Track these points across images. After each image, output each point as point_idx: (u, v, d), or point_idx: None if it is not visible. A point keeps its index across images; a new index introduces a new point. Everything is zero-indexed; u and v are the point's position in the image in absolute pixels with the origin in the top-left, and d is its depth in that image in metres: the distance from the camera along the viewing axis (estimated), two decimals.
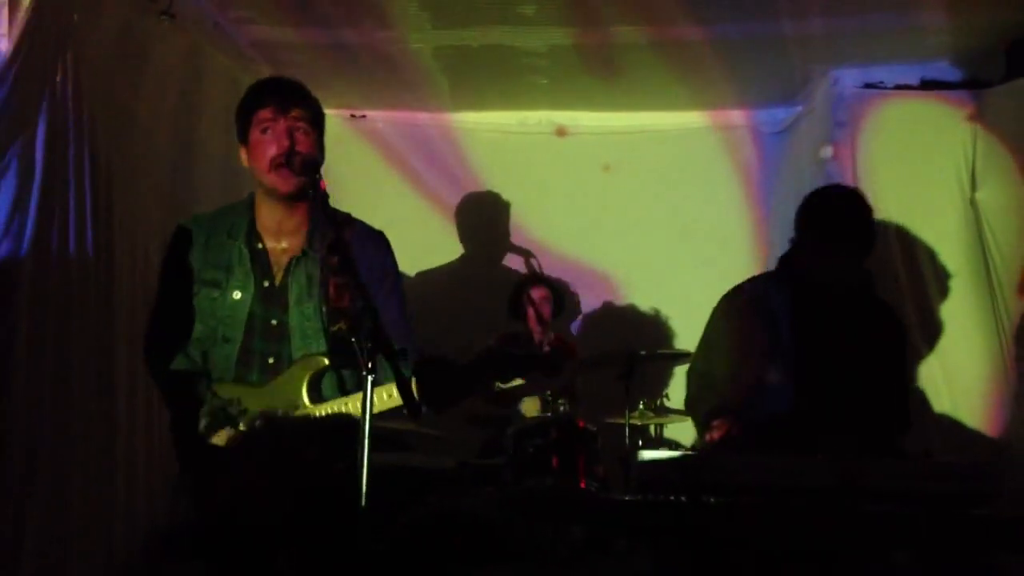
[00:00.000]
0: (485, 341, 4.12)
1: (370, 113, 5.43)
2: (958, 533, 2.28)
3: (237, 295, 2.41)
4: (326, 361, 2.37)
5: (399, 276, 2.61)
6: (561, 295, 4.79)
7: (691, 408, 3.27)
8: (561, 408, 4.20)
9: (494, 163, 5.42)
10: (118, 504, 3.45)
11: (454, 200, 5.44)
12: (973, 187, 4.44)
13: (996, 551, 2.35)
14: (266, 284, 2.43)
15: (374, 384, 2.01)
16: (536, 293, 4.62)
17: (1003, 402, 4.26)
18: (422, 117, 5.44)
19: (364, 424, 2.11)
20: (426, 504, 3.79)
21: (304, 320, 2.41)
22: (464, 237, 5.44)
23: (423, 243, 5.27)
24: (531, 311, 4.60)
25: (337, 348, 2.38)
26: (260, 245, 2.46)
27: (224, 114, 4.25)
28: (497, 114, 5.41)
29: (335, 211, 2.42)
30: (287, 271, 2.44)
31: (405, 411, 2.15)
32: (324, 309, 2.40)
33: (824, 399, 2.76)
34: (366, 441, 2.09)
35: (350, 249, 2.33)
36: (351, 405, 2.34)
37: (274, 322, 2.41)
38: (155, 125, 3.82)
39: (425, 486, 3.92)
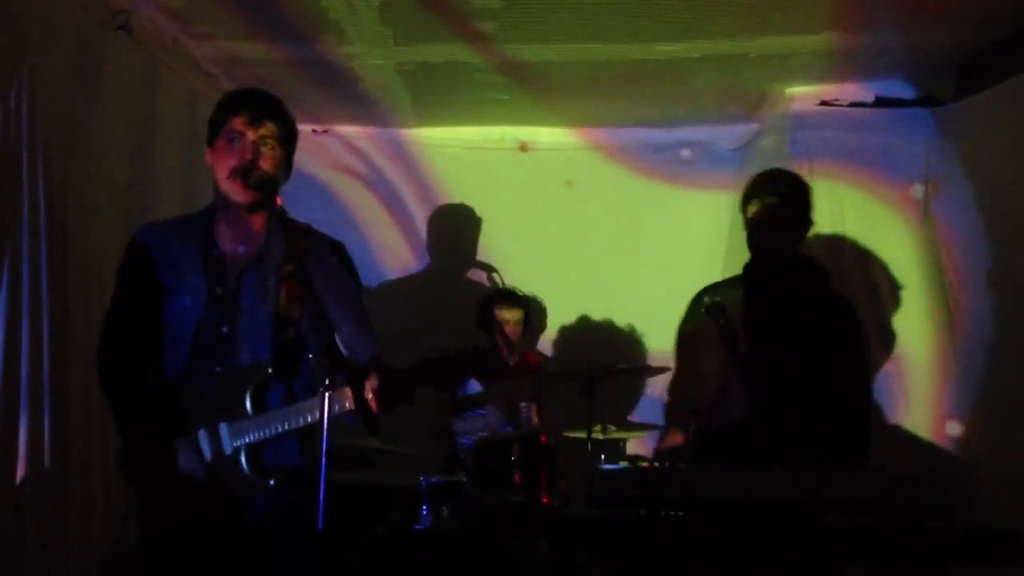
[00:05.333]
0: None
1: (332, 128, 5.42)
2: (913, 544, 2.31)
3: (187, 301, 2.38)
4: (270, 370, 2.34)
5: (358, 286, 2.59)
6: (530, 314, 4.78)
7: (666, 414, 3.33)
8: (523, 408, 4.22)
9: (457, 178, 5.43)
10: (71, 527, 3.38)
11: (417, 215, 5.44)
12: (926, 202, 4.52)
13: (951, 562, 2.38)
14: (218, 291, 2.40)
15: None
16: (504, 315, 4.60)
17: (958, 411, 4.33)
18: (384, 132, 5.44)
19: (322, 443, 2.11)
20: (389, 521, 3.77)
21: (254, 328, 2.37)
22: (431, 248, 5.43)
23: (385, 259, 5.27)
24: (497, 331, 4.60)
25: (283, 357, 2.35)
26: (215, 251, 2.43)
27: (182, 130, 4.26)
28: (460, 130, 5.42)
29: (293, 221, 2.41)
30: (240, 277, 2.41)
31: (364, 430, 2.14)
32: (274, 317, 2.37)
33: (779, 405, 2.77)
34: (323, 459, 2.09)
35: (306, 260, 2.33)
36: (298, 413, 2.30)
37: (224, 329, 2.37)
38: (112, 141, 3.77)
39: (388, 503, 3.91)
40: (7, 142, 3.08)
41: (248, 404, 2.33)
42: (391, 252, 5.39)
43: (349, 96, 4.90)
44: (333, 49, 4.28)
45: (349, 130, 5.44)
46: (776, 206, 3.05)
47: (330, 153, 5.41)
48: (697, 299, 3.25)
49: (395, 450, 4.10)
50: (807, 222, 3.14)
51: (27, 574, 3.14)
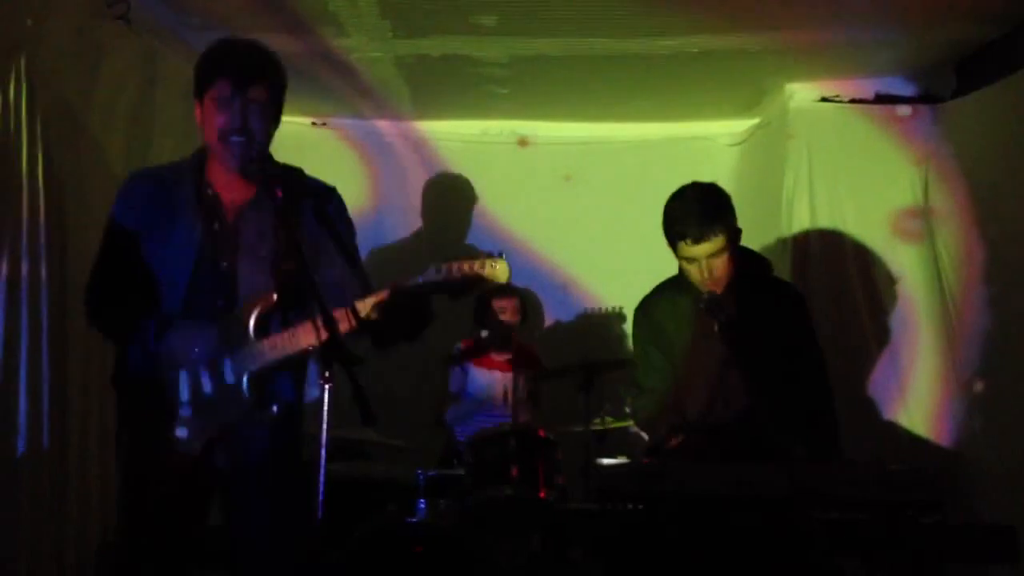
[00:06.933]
0: (443, 339, 4.18)
1: (331, 121, 5.41)
2: (908, 540, 2.32)
3: (184, 239, 2.37)
4: (275, 297, 2.33)
5: (351, 230, 2.57)
6: (526, 304, 4.79)
7: (647, 428, 3.26)
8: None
9: (455, 172, 5.42)
10: (70, 518, 3.38)
11: (414, 209, 5.42)
12: (925, 198, 4.53)
13: (946, 558, 2.39)
14: (216, 226, 2.39)
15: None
16: (499, 304, 4.62)
17: (954, 408, 4.34)
18: (383, 126, 5.44)
19: (321, 436, 2.11)
20: (385, 514, 3.77)
21: (255, 263, 2.37)
22: (425, 215, 5.40)
23: (382, 251, 5.26)
24: (494, 322, 4.61)
25: (287, 287, 2.34)
26: (210, 191, 2.42)
27: (180, 120, 4.23)
28: (458, 123, 5.41)
29: (286, 166, 2.43)
30: (238, 214, 2.41)
31: (361, 418, 2.13)
32: (274, 251, 2.37)
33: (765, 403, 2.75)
34: (323, 452, 2.09)
35: (297, 221, 2.32)
36: (299, 336, 2.29)
37: (224, 264, 2.38)
38: (109, 131, 3.76)
39: (384, 496, 3.91)
40: (4, 132, 3.08)
41: (251, 330, 2.31)
42: (385, 246, 5.38)
43: (347, 89, 4.88)
44: (331, 41, 4.27)
45: (347, 123, 5.43)
46: (718, 243, 2.92)
47: (327, 146, 5.40)
48: (643, 307, 3.21)
49: (392, 443, 4.10)
50: (737, 228, 3.02)
51: (23, 559, 3.14)
